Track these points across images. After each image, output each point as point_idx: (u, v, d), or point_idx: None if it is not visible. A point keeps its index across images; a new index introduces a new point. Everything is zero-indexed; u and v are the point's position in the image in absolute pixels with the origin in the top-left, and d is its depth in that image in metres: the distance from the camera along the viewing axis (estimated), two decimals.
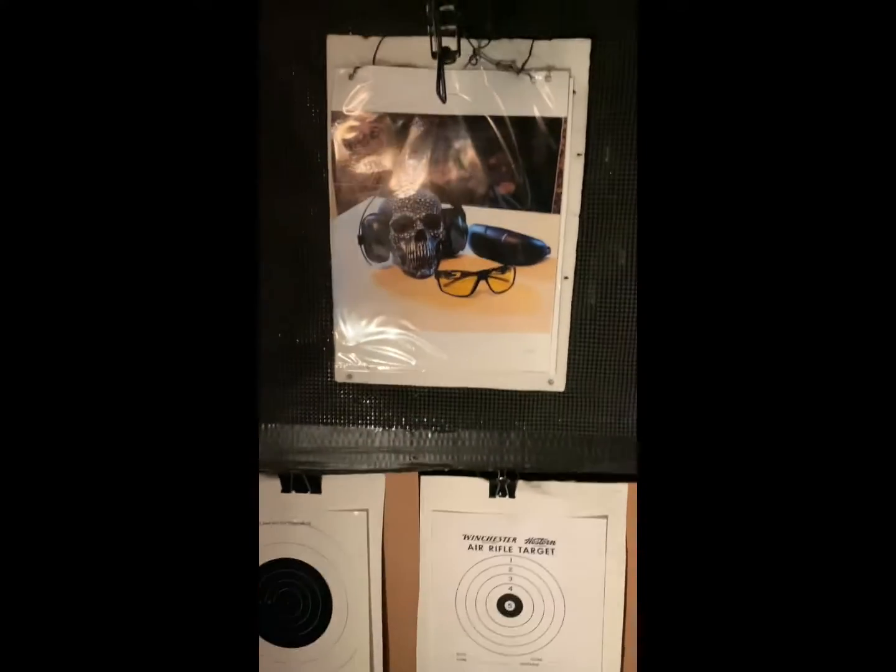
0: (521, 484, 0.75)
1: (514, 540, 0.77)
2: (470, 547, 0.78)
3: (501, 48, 0.56)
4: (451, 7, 0.42)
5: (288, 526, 0.77)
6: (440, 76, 0.43)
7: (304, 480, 0.76)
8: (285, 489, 0.76)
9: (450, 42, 0.49)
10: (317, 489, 0.76)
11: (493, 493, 0.76)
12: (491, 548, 0.78)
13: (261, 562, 0.79)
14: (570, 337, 0.64)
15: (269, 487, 0.76)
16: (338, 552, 0.78)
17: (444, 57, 0.43)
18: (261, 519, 0.78)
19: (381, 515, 0.77)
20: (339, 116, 0.59)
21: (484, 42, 0.56)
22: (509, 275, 0.62)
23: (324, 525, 0.77)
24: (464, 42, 0.57)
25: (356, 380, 0.66)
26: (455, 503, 0.77)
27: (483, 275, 0.62)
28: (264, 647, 0.81)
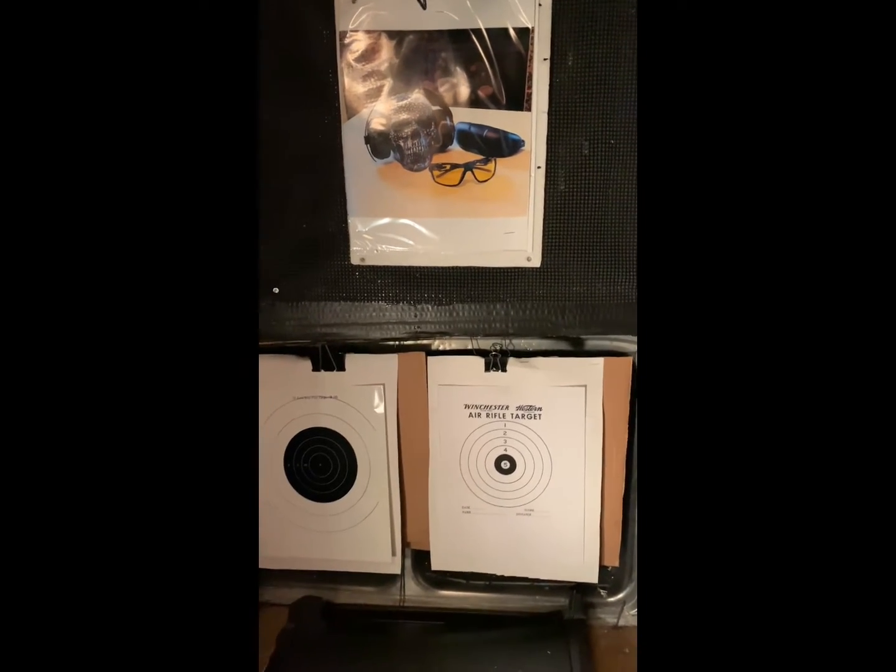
0: (511, 360, 0.88)
1: (507, 407, 0.89)
2: (470, 415, 0.90)
3: None
4: None
5: (318, 399, 0.90)
6: None
7: (330, 360, 0.89)
8: (315, 368, 0.89)
9: None
10: (341, 367, 0.89)
11: (487, 368, 0.87)
12: (488, 415, 0.90)
13: (296, 431, 0.92)
14: (544, 219, 0.72)
15: (301, 367, 0.89)
16: (360, 420, 0.91)
17: None
18: (295, 394, 0.90)
19: (395, 389, 0.90)
20: (346, 36, 0.69)
21: None
22: (491, 166, 0.71)
23: (348, 398, 0.90)
24: None
25: (368, 262, 0.76)
26: (457, 378, 0.88)
27: (469, 166, 0.71)
28: (302, 502, 0.95)
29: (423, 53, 0.69)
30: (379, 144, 0.72)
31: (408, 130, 0.71)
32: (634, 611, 0.95)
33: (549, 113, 0.69)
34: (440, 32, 0.68)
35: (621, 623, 0.95)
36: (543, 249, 0.74)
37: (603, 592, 0.96)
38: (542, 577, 0.95)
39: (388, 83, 0.70)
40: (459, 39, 0.68)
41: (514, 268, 0.76)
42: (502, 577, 0.97)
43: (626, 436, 0.89)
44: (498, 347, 0.86)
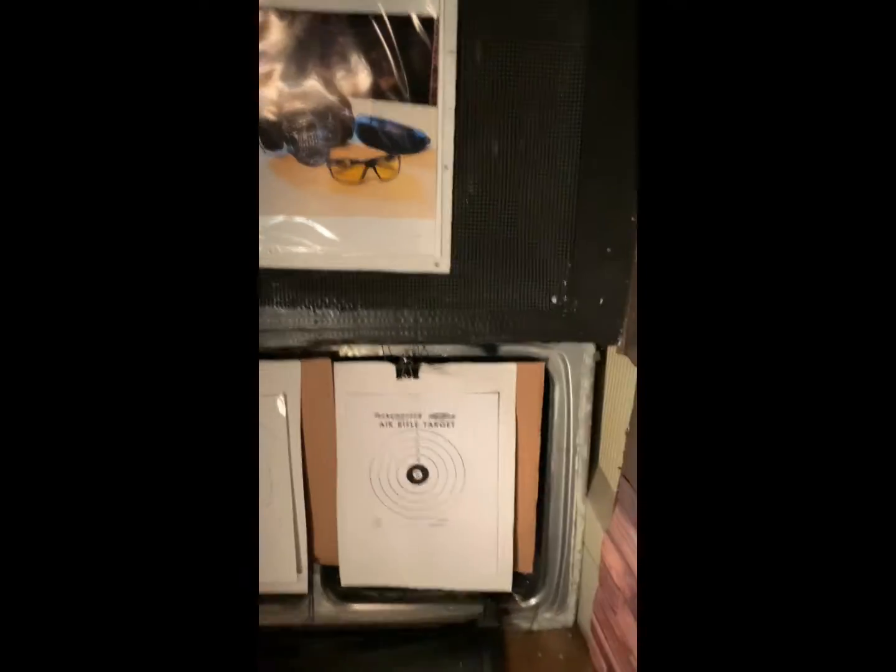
0: (424, 366, 0.84)
1: (420, 416, 0.86)
2: (381, 424, 0.87)
3: None
4: None
5: None
6: None
7: None
8: None
9: None
10: None
11: (399, 375, 0.84)
12: (400, 424, 0.87)
13: None
14: (452, 223, 0.69)
15: None
16: (260, 432, 0.84)
17: None
18: None
19: (298, 399, 0.85)
20: None
21: None
22: (395, 163, 0.67)
23: None
24: None
25: (263, 264, 0.70)
26: (366, 386, 0.85)
27: (371, 163, 0.67)
28: None
29: (318, 37, 0.63)
30: (270, 135, 0.66)
31: (303, 121, 0.65)
32: (549, 614, 0.95)
33: (457, 110, 0.66)
34: (337, 15, 0.62)
35: (535, 627, 0.95)
36: (452, 255, 0.71)
37: (517, 598, 0.95)
38: (456, 588, 0.93)
39: (278, 67, 0.64)
40: (358, 24, 0.63)
41: (423, 273, 0.72)
42: (416, 589, 0.94)
43: (539, 441, 0.88)
44: (410, 353, 0.83)
